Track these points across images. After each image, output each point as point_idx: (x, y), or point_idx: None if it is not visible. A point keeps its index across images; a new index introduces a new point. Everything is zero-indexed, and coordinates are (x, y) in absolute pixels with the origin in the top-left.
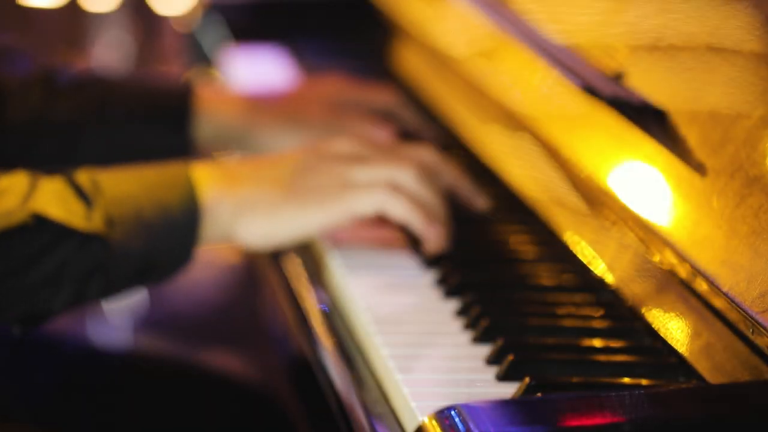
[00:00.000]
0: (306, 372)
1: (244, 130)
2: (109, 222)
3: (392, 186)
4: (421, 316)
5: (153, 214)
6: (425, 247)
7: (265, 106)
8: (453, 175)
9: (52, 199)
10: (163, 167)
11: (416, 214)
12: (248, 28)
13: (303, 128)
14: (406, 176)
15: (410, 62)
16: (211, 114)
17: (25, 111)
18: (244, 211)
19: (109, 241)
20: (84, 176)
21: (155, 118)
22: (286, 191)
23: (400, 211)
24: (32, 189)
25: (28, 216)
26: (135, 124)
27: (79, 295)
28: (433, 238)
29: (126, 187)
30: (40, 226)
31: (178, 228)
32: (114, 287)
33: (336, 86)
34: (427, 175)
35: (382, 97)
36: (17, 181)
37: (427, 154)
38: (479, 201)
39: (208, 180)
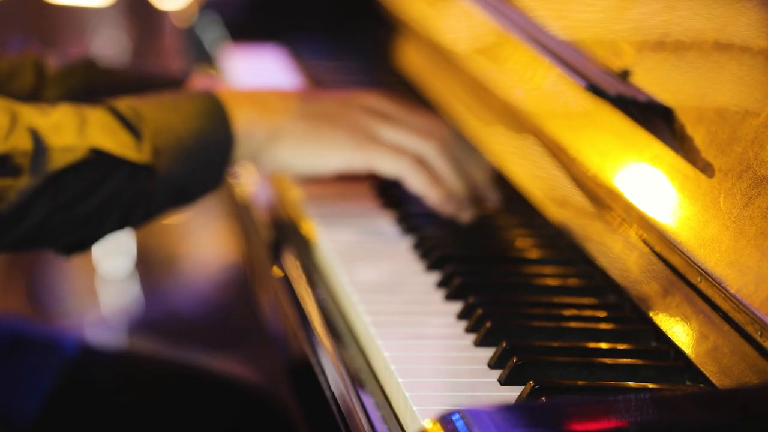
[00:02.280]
0: (306, 374)
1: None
2: (156, 152)
3: (417, 158)
4: (423, 319)
5: (192, 143)
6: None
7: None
8: (473, 164)
9: (104, 131)
10: (196, 95)
11: (434, 191)
12: (245, 27)
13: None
14: (431, 150)
15: (413, 60)
16: None
17: (14, 94)
18: (272, 138)
19: (156, 171)
20: (125, 106)
21: None
22: (314, 128)
23: (419, 185)
24: (83, 122)
25: (87, 150)
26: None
27: (124, 221)
28: (446, 213)
29: (166, 116)
30: (98, 159)
31: (215, 154)
32: (153, 213)
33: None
34: (450, 153)
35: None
36: (67, 115)
37: (449, 133)
38: (492, 194)
39: (241, 107)
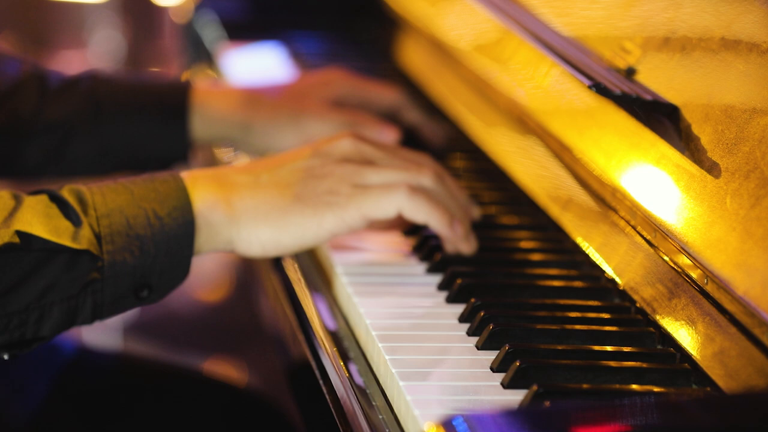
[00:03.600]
0: (306, 377)
1: (244, 124)
2: (98, 238)
3: (411, 187)
4: (424, 321)
5: (144, 227)
6: (446, 247)
7: (265, 100)
8: (452, 189)
9: (38, 217)
10: (152, 176)
11: (437, 214)
12: (243, 25)
13: (304, 123)
14: (424, 179)
15: (415, 59)
16: (209, 107)
17: (18, 112)
18: (242, 219)
19: (98, 258)
20: (69, 192)
21: (152, 113)
22: (292, 197)
23: (421, 212)
24: (16, 207)
25: (12, 235)
26: (131, 119)
27: (70, 318)
28: (456, 238)
29: (114, 199)
30: (25, 244)
31: (172, 239)
32: (107, 308)
33: (339, 81)
34: (444, 180)
35: (387, 94)
36: (1, 200)
37: (432, 163)
38: (474, 211)
39: (201, 188)
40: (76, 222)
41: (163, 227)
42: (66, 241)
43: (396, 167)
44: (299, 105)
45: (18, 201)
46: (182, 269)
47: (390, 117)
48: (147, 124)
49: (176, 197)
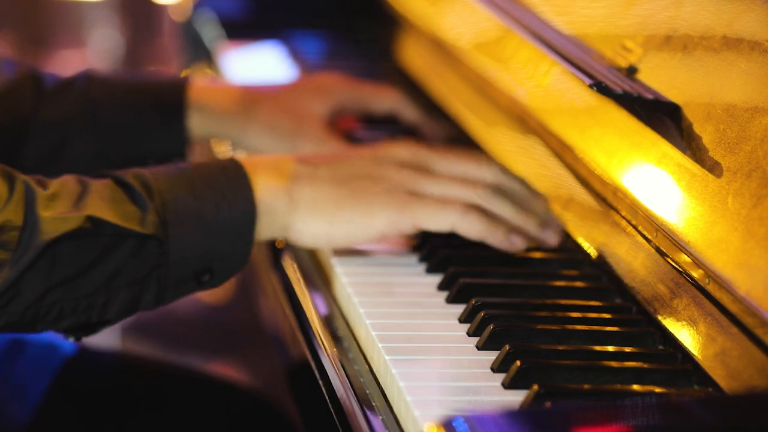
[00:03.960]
0: (306, 378)
1: (240, 126)
2: (164, 224)
3: (466, 204)
4: (424, 321)
5: (207, 213)
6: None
7: (263, 104)
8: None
9: (105, 202)
10: (212, 163)
11: (490, 232)
12: (242, 24)
13: (301, 145)
14: (480, 194)
15: (416, 58)
16: (206, 104)
17: (14, 114)
18: (300, 209)
19: (164, 243)
20: (134, 177)
21: (149, 111)
22: (348, 194)
23: (474, 230)
24: (84, 192)
25: (83, 219)
26: (128, 117)
27: (135, 302)
28: (517, 248)
29: (178, 185)
30: (96, 229)
31: (234, 225)
32: (170, 293)
33: (337, 88)
34: (502, 191)
35: (386, 96)
36: (67, 185)
37: (492, 174)
38: (550, 237)
39: (262, 176)
40: (143, 207)
41: (225, 214)
42: (134, 226)
43: (452, 180)
44: (298, 126)
45: (84, 186)
46: (243, 255)
47: (390, 117)
48: (144, 123)
49: (238, 184)
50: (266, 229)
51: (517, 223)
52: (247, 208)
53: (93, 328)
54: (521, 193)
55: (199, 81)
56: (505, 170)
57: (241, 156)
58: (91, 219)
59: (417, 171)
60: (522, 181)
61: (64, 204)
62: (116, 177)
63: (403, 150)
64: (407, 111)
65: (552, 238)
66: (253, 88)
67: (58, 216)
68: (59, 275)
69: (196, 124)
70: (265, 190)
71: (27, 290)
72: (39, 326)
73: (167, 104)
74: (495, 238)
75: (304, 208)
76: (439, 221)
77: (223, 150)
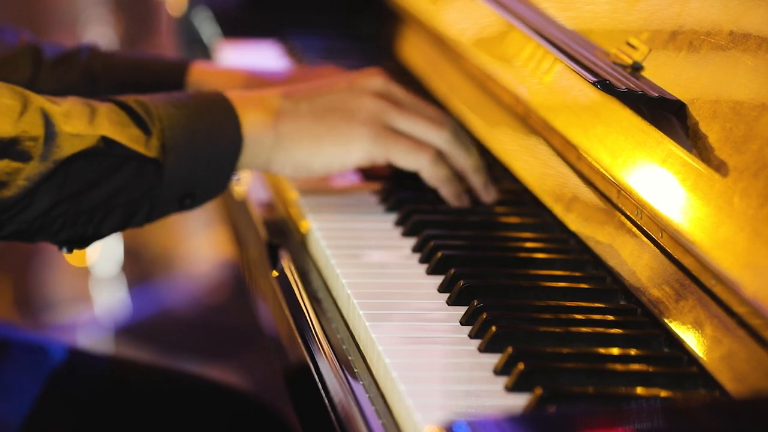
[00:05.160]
0: (304, 381)
1: None
2: (164, 148)
3: (436, 152)
4: (425, 324)
5: (200, 143)
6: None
7: (263, 85)
8: (471, 157)
9: (113, 123)
10: (203, 95)
11: (448, 187)
12: (238, 22)
13: None
14: (445, 140)
15: (416, 56)
16: (207, 86)
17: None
18: (284, 143)
19: (162, 166)
20: (136, 103)
21: (148, 89)
22: (327, 127)
23: (437, 180)
24: (93, 113)
25: (98, 139)
26: (127, 95)
27: (127, 219)
28: (463, 205)
29: (175, 113)
30: (107, 149)
31: (221, 156)
32: (156, 213)
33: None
34: (460, 140)
35: (372, 79)
36: (77, 105)
37: (451, 123)
38: (490, 193)
39: (250, 111)
40: (146, 131)
41: (215, 144)
42: (140, 149)
43: (421, 119)
44: None
45: (92, 108)
46: (223, 182)
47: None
48: None
49: (228, 117)
50: (249, 160)
51: (471, 171)
52: (234, 141)
53: (86, 242)
54: (473, 153)
55: (200, 63)
56: (461, 130)
57: (229, 91)
58: (104, 139)
59: (389, 103)
60: (474, 148)
61: (80, 122)
62: (118, 101)
63: (377, 80)
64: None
65: (492, 196)
66: (254, 73)
67: (76, 133)
68: (69, 190)
69: None
70: (253, 124)
71: (39, 201)
72: (39, 237)
73: (167, 84)
74: (450, 191)
75: (287, 142)
76: (410, 161)
77: None
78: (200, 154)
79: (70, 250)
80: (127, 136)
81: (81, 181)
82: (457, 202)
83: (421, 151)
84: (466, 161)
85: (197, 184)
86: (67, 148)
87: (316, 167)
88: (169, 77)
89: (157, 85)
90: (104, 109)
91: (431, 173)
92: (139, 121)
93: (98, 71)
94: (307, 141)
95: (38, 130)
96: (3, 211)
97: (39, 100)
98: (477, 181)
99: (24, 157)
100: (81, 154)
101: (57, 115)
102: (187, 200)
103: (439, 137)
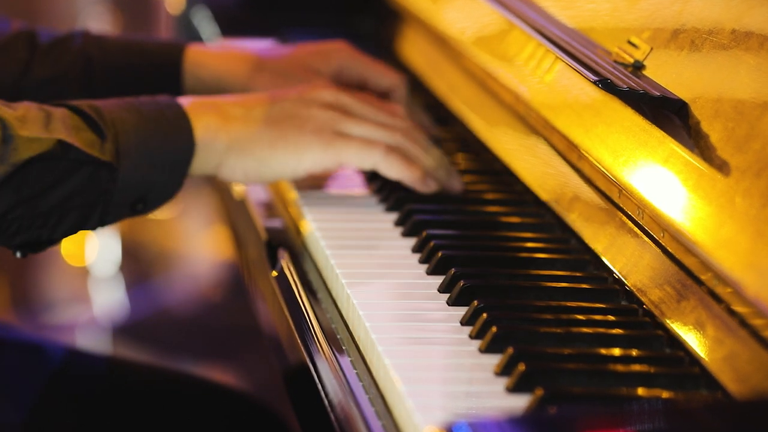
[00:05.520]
0: (303, 382)
1: (241, 87)
2: (118, 153)
3: (387, 146)
4: (425, 324)
5: (154, 147)
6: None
7: (264, 64)
8: (429, 153)
9: (68, 128)
10: (156, 101)
11: (411, 173)
12: (236, 21)
13: None
14: (398, 138)
15: (417, 53)
16: (205, 68)
17: (7, 69)
18: (234, 149)
19: (116, 171)
20: (89, 108)
21: (144, 71)
22: (279, 134)
23: (395, 170)
24: (48, 118)
25: (55, 143)
26: (122, 78)
27: (81, 223)
28: (430, 190)
29: (128, 118)
30: (63, 153)
31: (174, 161)
32: (109, 217)
33: (340, 53)
34: (416, 136)
35: (389, 76)
36: (32, 109)
37: (403, 122)
38: (455, 183)
39: (203, 116)
40: (101, 135)
41: (168, 148)
42: (96, 153)
43: (372, 122)
44: (302, 78)
45: (47, 112)
46: (175, 187)
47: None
48: (140, 83)
49: (180, 122)
50: (201, 165)
51: (430, 166)
52: (187, 145)
53: (40, 246)
54: (429, 144)
55: (196, 45)
56: (415, 124)
57: (181, 97)
58: (61, 143)
59: (340, 112)
60: (426, 138)
61: (35, 126)
62: (71, 106)
63: (327, 92)
64: (405, 98)
65: (457, 185)
66: (255, 50)
67: (33, 137)
68: (25, 193)
69: (193, 86)
70: (205, 129)
71: None
72: None
73: (164, 65)
74: (412, 178)
75: (238, 148)
76: (363, 160)
77: None
78: (153, 158)
79: (24, 255)
80: (83, 140)
81: (37, 184)
82: (424, 188)
83: (371, 147)
84: (422, 161)
85: (150, 188)
86: (23, 152)
87: (267, 174)
88: (165, 59)
89: (152, 68)
90: (59, 114)
91: (386, 166)
92: (93, 125)
93: (94, 55)
94: (258, 148)
95: None
96: None
97: None
98: (439, 177)
99: None
100: (37, 158)
101: (12, 119)
102: (139, 205)
103: (389, 136)
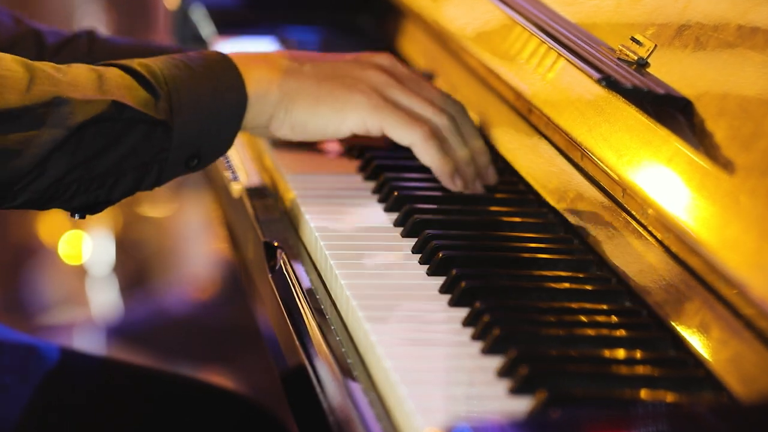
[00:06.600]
0: (302, 384)
1: None
2: (172, 110)
3: (431, 129)
4: (426, 326)
5: (206, 103)
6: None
7: None
8: (475, 142)
9: (121, 88)
10: (206, 56)
11: (443, 166)
12: (233, 19)
13: None
14: (444, 123)
15: (418, 51)
16: None
17: None
18: (285, 101)
19: (171, 129)
20: (141, 66)
21: None
22: (330, 88)
23: (429, 158)
24: (100, 78)
25: (109, 104)
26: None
27: (138, 182)
28: (456, 188)
29: (179, 75)
30: (118, 114)
31: (227, 115)
32: (165, 176)
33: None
34: (460, 128)
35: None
36: (84, 71)
37: (456, 108)
38: (478, 186)
39: (253, 68)
40: (154, 94)
41: (219, 103)
42: (150, 112)
43: (423, 99)
44: None
45: (98, 73)
46: (227, 142)
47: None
48: None
49: (231, 76)
50: (253, 118)
51: (462, 159)
52: (240, 99)
53: (97, 208)
54: (474, 136)
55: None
56: (465, 111)
57: (231, 52)
58: (115, 104)
59: (393, 78)
60: (476, 130)
61: (89, 88)
62: (122, 65)
63: (384, 58)
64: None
65: (478, 190)
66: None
67: (87, 99)
68: (81, 156)
69: None
70: (258, 82)
71: (52, 169)
72: (52, 204)
73: None
74: (443, 171)
75: (288, 101)
76: (403, 135)
77: None
78: (207, 114)
79: (82, 216)
80: (137, 99)
81: (93, 146)
82: (450, 185)
83: (415, 125)
84: (457, 151)
85: (204, 144)
86: (79, 115)
87: (311, 129)
88: None
89: None
90: (111, 74)
91: (422, 149)
92: (146, 84)
93: (100, 58)
94: (307, 102)
95: (48, 98)
96: (17, 180)
97: (46, 70)
98: (466, 175)
99: (36, 125)
100: (92, 120)
101: (65, 83)
102: (194, 161)
103: (435, 117)
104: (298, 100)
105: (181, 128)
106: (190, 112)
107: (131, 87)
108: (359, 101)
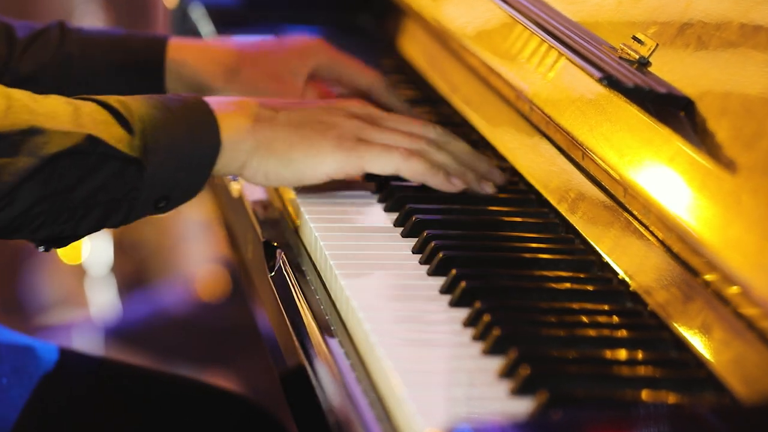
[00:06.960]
0: (302, 385)
1: (222, 83)
2: (146, 149)
3: (407, 150)
4: (427, 327)
5: (180, 145)
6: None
7: (245, 60)
8: (464, 156)
9: (97, 122)
10: (183, 99)
11: (434, 176)
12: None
13: (283, 95)
14: (421, 145)
15: (418, 51)
16: (185, 64)
17: None
18: (261, 151)
19: (143, 168)
20: (117, 102)
21: (125, 68)
22: (302, 136)
23: (417, 173)
24: (76, 111)
25: (84, 137)
26: (102, 74)
27: (105, 219)
28: (457, 189)
29: (156, 115)
30: (91, 148)
31: (200, 159)
32: (132, 215)
33: (317, 53)
34: (442, 146)
35: (365, 75)
36: (60, 103)
37: (436, 133)
38: (496, 177)
39: (229, 115)
40: (129, 131)
41: (194, 146)
42: (124, 149)
43: (396, 131)
44: (281, 89)
45: (75, 106)
46: (198, 186)
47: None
48: (120, 80)
49: (207, 120)
50: (225, 165)
51: (455, 170)
52: (213, 144)
53: (63, 242)
54: (464, 151)
55: (177, 39)
56: (450, 133)
57: (207, 96)
58: (90, 138)
59: (365, 120)
60: (466, 145)
61: (65, 121)
62: (99, 101)
63: (355, 104)
64: (384, 95)
65: (488, 190)
66: (235, 47)
67: (62, 131)
68: (52, 187)
69: (175, 83)
70: (232, 128)
71: (22, 198)
72: (18, 234)
73: (145, 62)
74: (435, 180)
75: (263, 149)
76: (384, 164)
77: None
78: (180, 156)
79: (47, 249)
80: (112, 135)
81: (65, 178)
82: (450, 188)
83: (391, 150)
84: (441, 157)
85: (174, 186)
86: (53, 145)
87: (287, 176)
88: (147, 54)
89: (135, 62)
90: (88, 108)
91: (407, 168)
92: (122, 120)
93: (72, 51)
94: (281, 149)
95: (25, 127)
96: None
97: (23, 99)
98: (469, 181)
99: (10, 152)
100: (66, 152)
101: (41, 113)
102: (162, 202)
103: (412, 144)
104: (272, 149)
105: (153, 168)
106: (164, 152)
107: (107, 122)
108: (332, 146)
